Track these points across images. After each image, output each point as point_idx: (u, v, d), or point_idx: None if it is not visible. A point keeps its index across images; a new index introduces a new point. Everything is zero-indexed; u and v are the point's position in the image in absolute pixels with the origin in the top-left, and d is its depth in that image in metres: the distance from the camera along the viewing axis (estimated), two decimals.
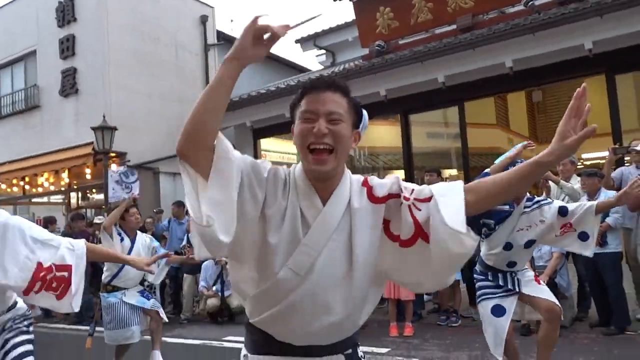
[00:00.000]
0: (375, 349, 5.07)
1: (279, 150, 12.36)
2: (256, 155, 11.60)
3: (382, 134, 11.45)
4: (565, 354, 4.46)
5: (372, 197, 1.44)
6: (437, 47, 8.12)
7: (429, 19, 8.92)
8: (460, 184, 1.40)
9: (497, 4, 8.28)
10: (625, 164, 6.31)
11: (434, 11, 8.79)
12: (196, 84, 13.05)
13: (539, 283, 3.55)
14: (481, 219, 3.41)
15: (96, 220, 8.74)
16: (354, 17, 9.93)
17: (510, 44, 7.43)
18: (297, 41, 13.91)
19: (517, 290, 3.44)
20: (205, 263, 7.38)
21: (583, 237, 3.34)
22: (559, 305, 3.41)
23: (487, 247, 3.56)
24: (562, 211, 3.36)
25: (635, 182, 3.11)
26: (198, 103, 1.27)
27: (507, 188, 1.37)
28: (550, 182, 5.53)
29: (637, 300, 5.42)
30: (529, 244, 3.46)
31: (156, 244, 5.09)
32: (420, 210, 1.36)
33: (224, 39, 13.77)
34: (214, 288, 7.33)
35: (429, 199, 1.37)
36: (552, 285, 5.13)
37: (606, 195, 5.08)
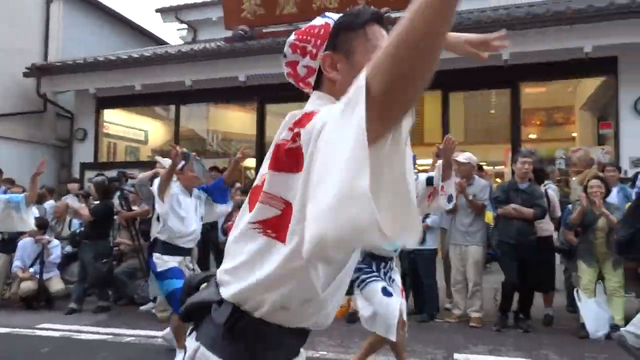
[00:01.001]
0: None
1: (125, 123, 11.48)
2: (97, 127, 10.65)
3: (238, 120, 11.34)
4: None
5: None
6: None
7: (294, 12, 9.05)
8: None
9: None
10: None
11: (300, 5, 8.95)
12: (30, 36, 11.42)
13: (403, 296, 3.51)
14: None
15: None
16: None
17: None
18: (157, 10, 13.04)
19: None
20: (22, 241, 6.56)
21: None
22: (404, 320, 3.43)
23: None
24: (429, 181, 3.39)
25: (449, 140, 2.96)
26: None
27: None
28: None
29: (447, 292, 6.17)
30: None
31: None
32: None
33: None
34: (30, 269, 6.54)
35: None
36: None
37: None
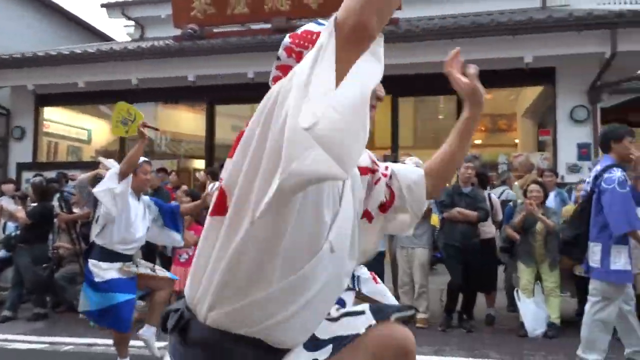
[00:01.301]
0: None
1: (66, 122, 10.98)
2: (37, 125, 10.14)
3: (186, 121, 11.11)
4: None
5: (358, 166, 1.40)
6: (250, 42, 8.20)
7: (245, 13, 8.95)
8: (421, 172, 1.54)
9: (311, 13, 8.73)
10: None
11: (251, 6, 8.86)
12: None
13: (377, 282, 3.50)
14: None
15: None
16: None
17: None
18: (103, 5, 12.56)
19: (357, 288, 3.33)
20: None
21: None
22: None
23: None
24: None
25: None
26: None
27: (453, 160, 1.59)
28: None
29: (394, 294, 6.27)
30: None
31: None
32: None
33: None
34: None
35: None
36: None
37: None
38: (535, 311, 5.12)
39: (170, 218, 4.16)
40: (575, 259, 4.34)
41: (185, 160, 11.28)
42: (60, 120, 10.79)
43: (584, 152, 7.73)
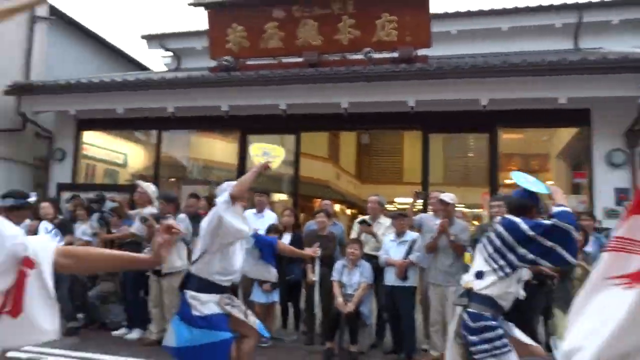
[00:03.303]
0: None
1: (105, 146, 11.36)
2: (77, 147, 10.51)
3: (219, 149, 11.32)
4: None
5: None
6: (282, 75, 8.39)
7: (278, 47, 9.19)
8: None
9: (341, 48, 8.91)
10: (429, 211, 7.19)
11: (285, 41, 9.10)
12: (14, 57, 11.36)
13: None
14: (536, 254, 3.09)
15: None
16: (206, 27, 9.75)
17: (348, 87, 8.03)
18: (143, 37, 13.12)
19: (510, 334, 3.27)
20: None
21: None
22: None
23: (506, 285, 3.19)
24: None
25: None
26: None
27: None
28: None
29: (425, 332, 6.10)
30: None
31: None
32: None
33: (57, 15, 12.34)
34: None
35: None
36: (357, 313, 5.58)
37: (411, 235, 5.86)
38: None
39: (268, 252, 4.05)
40: None
41: (216, 187, 11.44)
42: (98, 144, 11.17)
43: (622, 197, 7.47)
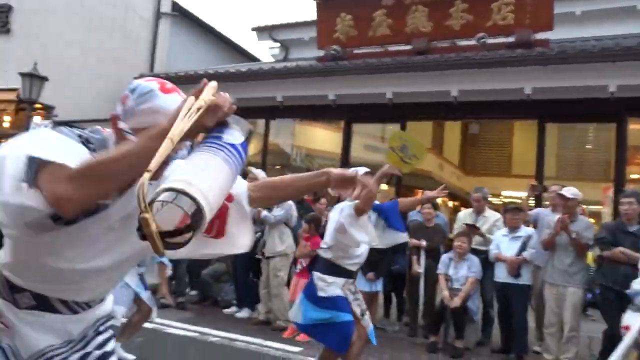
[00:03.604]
0: (287, 347, 5.11)
1: None
2: None
3: (322, 138, 11.51)
4: None
5: None
6: (390, 63, 8.29)
7: (386, 34, 9.09)
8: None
9: (452, 34, 8.60)
10: (544, 206, 6.76)
11: (393, 28, 8.97)
12: (140, 51, 12.43)
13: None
14: None
15: None
16: (314, 17, 9.91)
17: (459, 74, 7.74)
18: (253, 29, 13.66)
19: None
20: None
21: None
22: None
23: None
24: None
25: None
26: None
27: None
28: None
29: (537, 333, 5.78)
30: None
31: None
32: None
33: (179, 11, 13.26)
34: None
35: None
36: (463, 308, 5.42)
37: (526, 231, 5.53)
38: None
39: (395, 217, 4.06)
40: None
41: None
42: None
43: None
